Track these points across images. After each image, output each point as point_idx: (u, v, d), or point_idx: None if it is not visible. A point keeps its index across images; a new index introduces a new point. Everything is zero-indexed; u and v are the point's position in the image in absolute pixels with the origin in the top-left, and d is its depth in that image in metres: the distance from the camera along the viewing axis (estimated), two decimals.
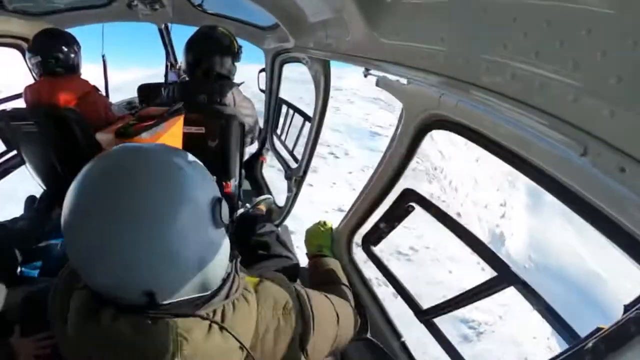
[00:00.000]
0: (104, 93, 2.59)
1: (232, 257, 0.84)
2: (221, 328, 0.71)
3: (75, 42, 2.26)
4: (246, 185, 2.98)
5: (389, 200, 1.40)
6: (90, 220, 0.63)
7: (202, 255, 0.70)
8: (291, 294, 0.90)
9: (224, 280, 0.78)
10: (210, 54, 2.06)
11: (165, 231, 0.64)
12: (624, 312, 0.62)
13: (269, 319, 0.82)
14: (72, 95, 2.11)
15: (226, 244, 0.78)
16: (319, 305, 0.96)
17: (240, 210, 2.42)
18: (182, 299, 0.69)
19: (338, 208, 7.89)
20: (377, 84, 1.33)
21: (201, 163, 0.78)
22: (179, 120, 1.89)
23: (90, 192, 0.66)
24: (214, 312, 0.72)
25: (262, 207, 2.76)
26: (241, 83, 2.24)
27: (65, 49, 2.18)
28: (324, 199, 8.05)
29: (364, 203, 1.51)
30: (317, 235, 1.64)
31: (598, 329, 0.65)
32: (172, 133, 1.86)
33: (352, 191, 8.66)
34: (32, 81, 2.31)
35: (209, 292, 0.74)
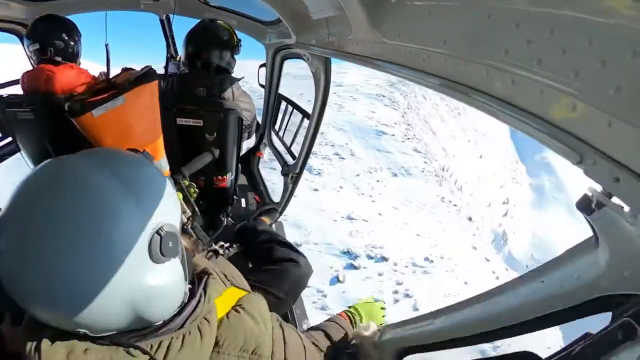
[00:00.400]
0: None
1: (200, 277, 0.77)
2: None
3: (75, 29, 2.21)
4: (242, 180, 2.98)
5: None
6: (8, 243, 0.57)
7: (133, 295, 0.60)
8: (267, 332, 0.80)
9: (181, 308, 0.70)
10: (209, 47, 2.05)
11: (78, 264, 0.55)
12: (612, 319, 0.63)
13: (232, 358, 0.73)
14: (70, 85, 2.07)
15: (175, 275, 0.67)
16: (293, 350, 0.89)
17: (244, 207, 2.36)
18: (112, 333, 0.62)
19: (347, 216, 7.59)
20: None
21: (160, 182, 0.68)
22: (147, 90, 1.64)
23: (10, 210, 0.59)
24: (159, 344, 0.64)
25: (266, 219, 2.57)
26: (241, 78, 2.24)
27: (65, 37, 2.13)
28: (331, 206, 7.84)
29: None
30: (374, 312, 1.45)
31: (586, 335, 0.66)
32: (137, 106, 1.61)
33: (360, 196, 8.51)
34: (30, 67, 2.28)
35: (151, 327, 0.66)
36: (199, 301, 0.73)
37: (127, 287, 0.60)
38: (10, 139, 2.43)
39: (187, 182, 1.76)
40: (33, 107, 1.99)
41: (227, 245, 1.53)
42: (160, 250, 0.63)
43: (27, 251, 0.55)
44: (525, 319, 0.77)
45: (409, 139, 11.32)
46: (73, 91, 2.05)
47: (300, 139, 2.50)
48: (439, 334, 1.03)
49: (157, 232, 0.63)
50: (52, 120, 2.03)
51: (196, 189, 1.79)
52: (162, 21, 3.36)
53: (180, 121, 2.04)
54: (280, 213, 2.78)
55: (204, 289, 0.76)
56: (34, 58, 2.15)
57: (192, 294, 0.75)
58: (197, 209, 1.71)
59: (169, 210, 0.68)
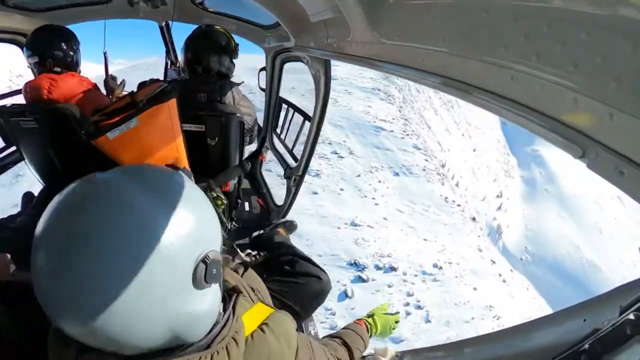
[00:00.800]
0: (104, 90, 2.57)
1: (229, 294, 0.76)
2: None
3: (73, 38, 2.22)
4: (245, 184, 2.98)
5: None
6: (44, 264, 0.56)
7: (173, 321, 0.60)
8: (290, 354, 0.79)
9: (211, 329, 0.69)
10: (209, 52, 2.06)
11: (119, 288, 0.54)
12: (620, 314, 0.63)
13: None
14: (72, 93, 2.09)
15: (215, 299, 0.68)
16: None
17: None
18: (144, 352, 0.61)
19: (351, 222, 7.29)
20: None
21: (205, 205, 0.67)
22: (164, 109, 1.60)
23: (53, 223, 0.58)
24: None
25: (283, 231, 2.55)
26: (240, 83, 2.25)
27: (64, 46, 2.15)
28: (333, 212, 7.51)
29: None
30: (388, 325, 1.45)
31: (595, 330, 0.66)
32: (153, 125, 1.57)
33: (363, 199, 8.23)
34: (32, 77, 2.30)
35: (183, 345, 0.65)
36: (227, 319, 0.71)
37: (168, 314, 0.59)
38: (14, 148, 2.45)
39: (214, 194, 1.74)
40: (36, 116, 2.00)
41: (254, 253, 1.51)
42: (205, 278, 0.61)
43: (69, 269, 0.54)
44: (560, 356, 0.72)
45: (407, 135, 11.15)
46: (74, 100, 2.07)
47: (301, 141, 2.50)
48: None
49: (203, 261, 0.61)
50: (55, 129, 2.05)
51: (224, 201, 1.75)
52: (161, 28, 3.38)
53: (183, 127, 2.06)
54: (284, 216, 2.78)
55: (233, 308, 0.74)
56: (35, 70, 2.16)
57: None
58: (224, 220, 1.68)
59: (214, 235, 0.66)
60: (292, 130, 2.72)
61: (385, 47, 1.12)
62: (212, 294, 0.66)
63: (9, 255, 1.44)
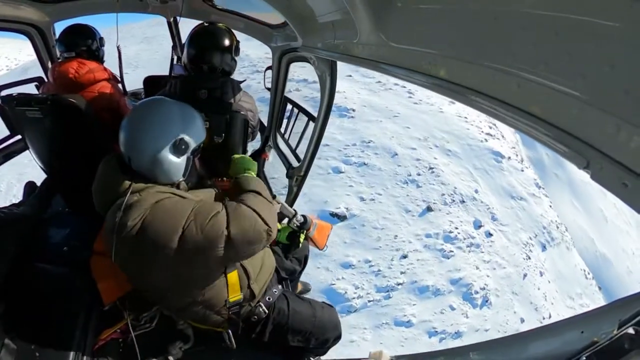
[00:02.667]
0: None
1: (187, 180, 1.58)
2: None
3: (98, 36, 2.54)
4: None
5: None
6: (131, 122, 1.43)
7: (159, 156, 1.39)
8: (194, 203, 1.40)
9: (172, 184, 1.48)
10: (210, 50, 2.07)
11: (150, 135, 1.39)
12: (619, 328, 0.62)
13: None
14: (95, 78, 2.33)
15: (179, 164, 1.45)
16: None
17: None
18: (141, 170, 1.41)
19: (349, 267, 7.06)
20: None
21: (195, 115, 1.51)
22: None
23: (134, 113, 1.46)
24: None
25: (300, 286, 2.86)
26: (243, 81, 2.26)
27: (92, 42, 2.48)
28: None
29: None
30: (246, 161, 1.76)
31: (593, 342, 0.65)
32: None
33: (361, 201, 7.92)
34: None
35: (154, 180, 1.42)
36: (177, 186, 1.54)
37: (160, 151, 1.40)
38: (19, 136, 2.46)
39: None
40: (42, 106, 2.01)
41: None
42: (174, 148, 1.42)
43: (134, 127, 1.42)
44: None
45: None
46: (93, 85, 2.32)
47: (305, 141, 2.51)
48: None
49: (180, 139, 1.42)
50: (59, 120, 2.06)
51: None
52: (169, 23, 3.39)
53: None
54: None
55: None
56: (63, 59, 2.41)
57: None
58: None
59: (193, 135, 1.46)
60: (296, 130, 2.72)
61: (392, 50, 1.12)
62: (181, 160, 1.45)
63: None
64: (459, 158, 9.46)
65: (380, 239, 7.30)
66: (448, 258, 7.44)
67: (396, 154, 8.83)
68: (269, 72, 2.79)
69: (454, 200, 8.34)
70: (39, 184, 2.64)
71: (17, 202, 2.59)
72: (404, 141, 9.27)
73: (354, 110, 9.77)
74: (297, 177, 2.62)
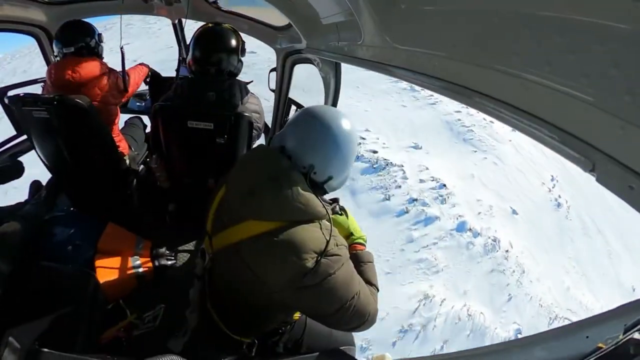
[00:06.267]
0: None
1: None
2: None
3: (97, 33, 2.43)
4: None
5: None
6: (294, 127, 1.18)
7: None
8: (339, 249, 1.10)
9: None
10: (217, 52, 2.06)
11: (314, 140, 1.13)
12: (624, 333, 0.62)
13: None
14: (93, 74, 2.27)
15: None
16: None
17: None
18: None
19: None
20: None
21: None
22: None
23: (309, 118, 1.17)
24: None
25: None
26: (250, 82, 2.26)
27: (90, 39, 2.36)
28: None
29: None
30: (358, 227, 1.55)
31: (597, 348, 0.64)
32: None
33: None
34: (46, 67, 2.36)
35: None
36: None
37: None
38: (25, 136, 2.49)
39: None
40: (48, 107, 2.03)
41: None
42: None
43: (301, 131, 1.15)
44: None
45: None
46: (94, 81, 2.26)
47: None
48: None
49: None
50: (65, 120, 2.08)
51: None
52: (174, 25, 3.41)
53: (191, 124, 2.07)
54: None
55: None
56: (61, 56, 2.33)
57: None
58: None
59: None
60: None
61: (396, 52, 1.11)
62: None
63: None
64: None
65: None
66: None
67: None
68: (273, 74, 2.80)
69: None
70: (44, 183, 2.66)
71: (22, 200, 2.61)
72: None
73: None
74: None
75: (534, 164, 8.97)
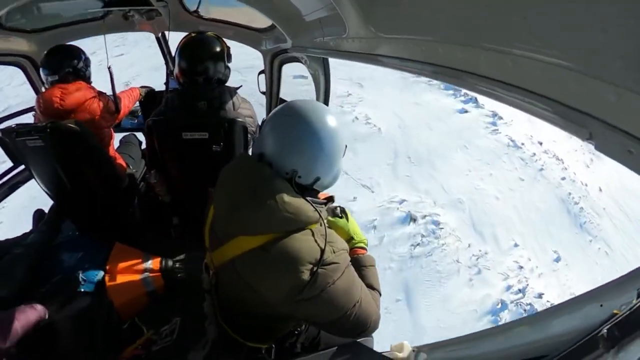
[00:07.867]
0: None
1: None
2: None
3: (83, 54, 2.41)
4: None
5: None
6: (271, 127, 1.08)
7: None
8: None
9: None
10: (203, 61, 2.05)
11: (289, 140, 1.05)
12: (637, 297, 0.62)
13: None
14: (83, 98, 2.23)
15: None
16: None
17: None
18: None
19: None
20: None
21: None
22: None
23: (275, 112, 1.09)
24: None
25: None
26: (239, 87, 2.25)
27: (77, 63, 2.33)
28: None
29: None
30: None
31: (613, 315, 0.64)
32: None
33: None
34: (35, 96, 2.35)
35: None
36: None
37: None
38: (22, 167, 2.48)
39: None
40: (41, 135, 2.03)
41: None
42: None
43: (278, 133, 1.05)
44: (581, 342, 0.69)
45: None
46: (83, 105, 2.23)
47: None
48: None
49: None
50: (60, 145, 2.08)
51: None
52: (158, 39, 3.40)
53: (186, 135, 2.06)
54: None
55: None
56: (49, 84, 2.31)
57: None
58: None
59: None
60: None
61: (382, 41, 1.11)
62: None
63: None
64: None
65: None
66: None
67: None
68: (262, 77, 2.79)
69: None
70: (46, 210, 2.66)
71: (27, 231, 2.61)
72: None
73: None
74: None
75: None
